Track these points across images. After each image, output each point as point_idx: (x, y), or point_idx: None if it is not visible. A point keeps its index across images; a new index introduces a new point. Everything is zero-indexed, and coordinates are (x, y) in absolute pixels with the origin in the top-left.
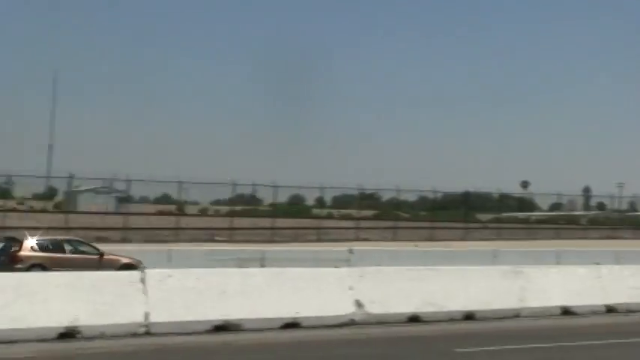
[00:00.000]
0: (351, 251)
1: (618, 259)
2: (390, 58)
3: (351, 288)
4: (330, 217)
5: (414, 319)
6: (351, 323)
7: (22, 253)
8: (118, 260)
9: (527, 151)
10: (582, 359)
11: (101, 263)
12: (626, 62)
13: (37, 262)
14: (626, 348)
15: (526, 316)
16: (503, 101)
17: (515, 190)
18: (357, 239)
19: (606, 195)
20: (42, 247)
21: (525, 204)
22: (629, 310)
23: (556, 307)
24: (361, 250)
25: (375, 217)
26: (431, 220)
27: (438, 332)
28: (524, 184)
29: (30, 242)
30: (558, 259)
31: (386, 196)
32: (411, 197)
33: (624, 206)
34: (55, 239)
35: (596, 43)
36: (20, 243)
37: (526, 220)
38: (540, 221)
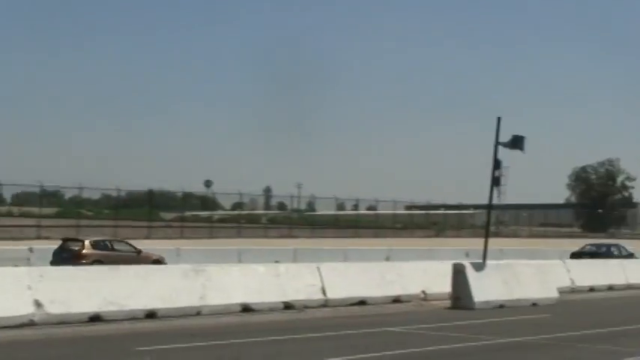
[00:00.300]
0: (31, 250)
1: (296, 257)
2: None
3: (29, 288)
4: (9, 214)
5: (96, 318)
6: (30, 324)
7: (85, 251)
8: (150, 256)
9: (210, 150)
10: (257, 355)
11: (139, 258)
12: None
13: (97, 258)
14: (299, 343)
15: (207, 314)
16: (179, 101)
17: (199, 189)
18: (39, 238)
19: (286, 195)
20: (98, 247)
21: (208, 203)
22: (305, 306)
23: (237, 304)
24: (43, 249)
25: (57, 215)
26: (114, 219)
27: (121, 331)
28: (208, 183)
29: (89, 242)
30: (240, 258)
31: (68, 194)
32: (95, 195)
33: (303, 206)
34: (103, 239)
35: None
36: (82, 242)
37: (209, 219)
38: (222, 220)
